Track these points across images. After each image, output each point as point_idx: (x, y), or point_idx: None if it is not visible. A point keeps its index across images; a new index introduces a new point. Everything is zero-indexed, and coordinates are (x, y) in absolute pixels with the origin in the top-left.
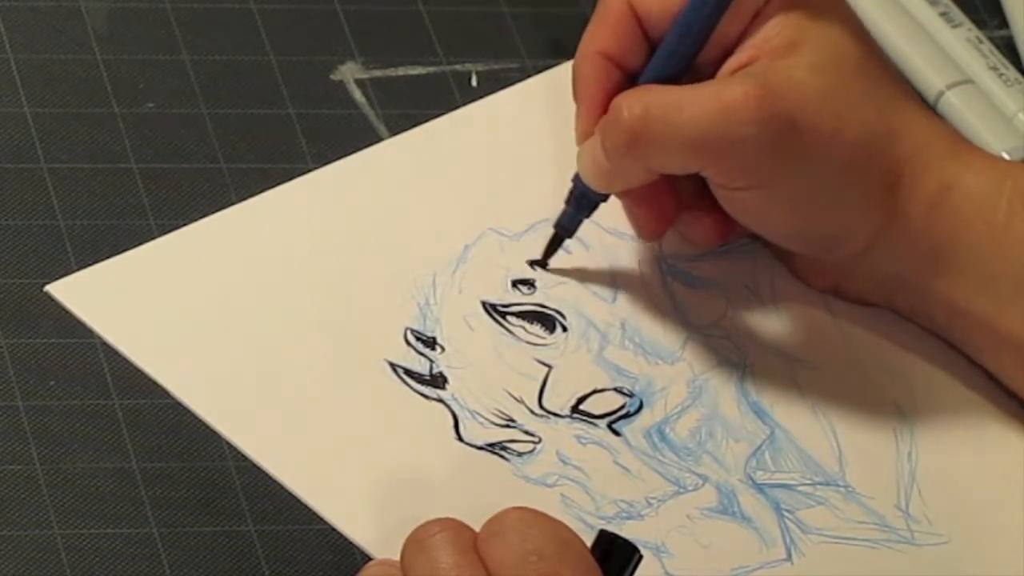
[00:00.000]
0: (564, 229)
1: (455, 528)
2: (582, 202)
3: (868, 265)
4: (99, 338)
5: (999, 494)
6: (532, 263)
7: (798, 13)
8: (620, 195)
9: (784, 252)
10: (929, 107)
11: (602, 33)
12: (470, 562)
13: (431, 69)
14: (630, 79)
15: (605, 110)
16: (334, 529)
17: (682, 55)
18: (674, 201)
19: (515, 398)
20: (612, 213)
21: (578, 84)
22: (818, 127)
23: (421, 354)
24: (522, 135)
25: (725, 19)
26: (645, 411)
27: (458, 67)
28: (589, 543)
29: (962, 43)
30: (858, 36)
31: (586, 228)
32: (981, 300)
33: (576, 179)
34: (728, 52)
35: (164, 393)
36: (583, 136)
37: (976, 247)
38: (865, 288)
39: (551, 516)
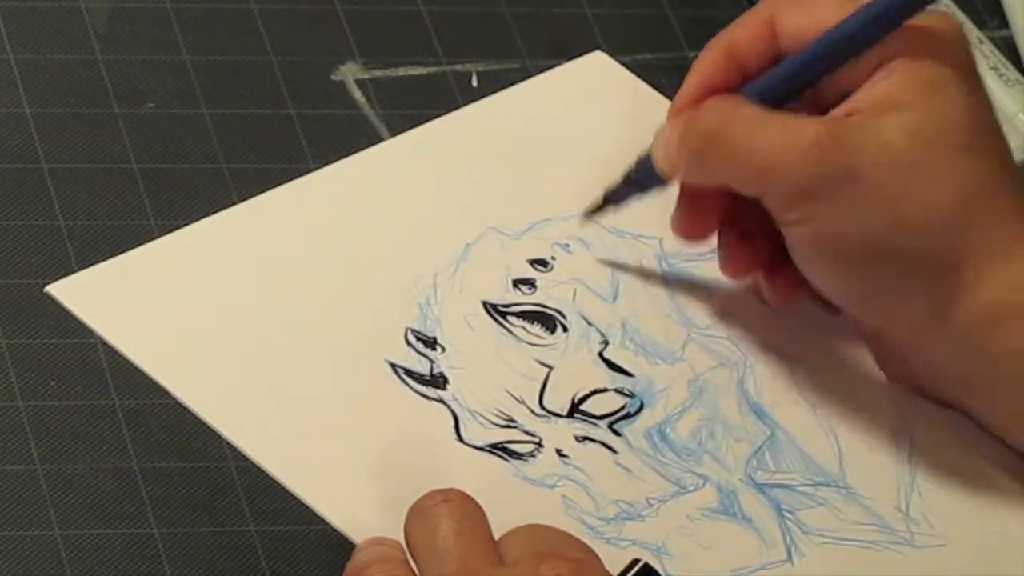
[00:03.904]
0: (612, 199)
1: (458, 498)
2: (632, 176)
3: (934, 363)
4: (99, 338)
5: (999, 496)
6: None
7: (916, 73)
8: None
9: (873, 344)
10: None
11: (738, 31)
12: (471, 530)
13: (431, 69)
14: (743, 80)
15: (706, 96)
16: (334, 529)
17: (793, 81)
18: (717, 211)
19: (516, 398)
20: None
21: (695, 64)
22: (883, 187)
23: (422, 354)
24: (522, 135)
25: (849, 64)
26: (646, 411)
27: (458, 67)
28: (588, 543)
29: None
30: (973, 109)
31: (586, 227)
32: None
33: (640, 160)
34: (843, 95)
35: (164, 393)
36: (674, 111)
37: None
38: (935, 388)
39: None
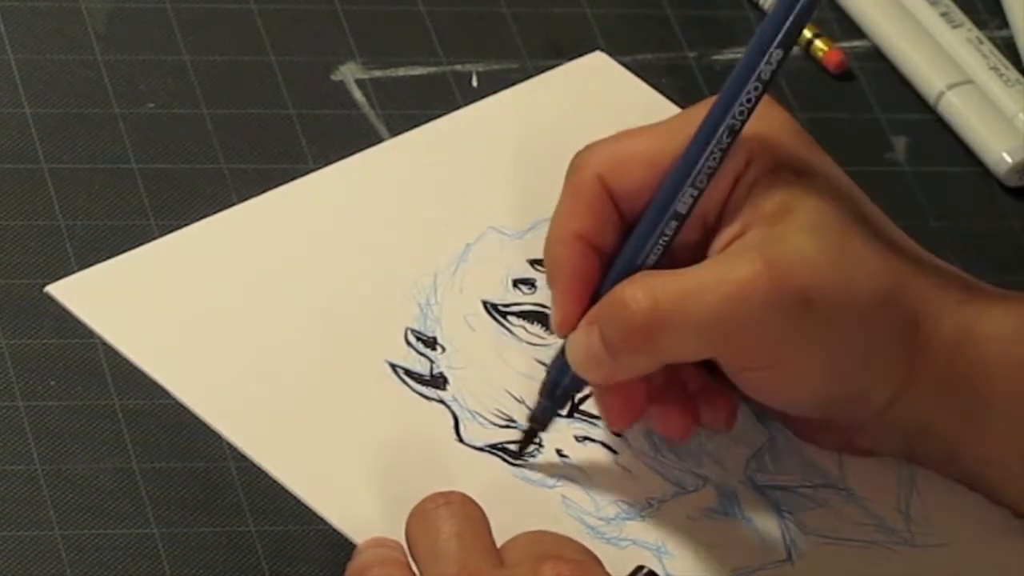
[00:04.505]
0: (539, 422)
1: (460, 501)
2: (556, 393)
3: (887, 420)
4: (99, 338)
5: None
6: (516, 447)
7: (785, 175)
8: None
9: (791, 416)
10: (929, 108)
11: (576, 212)
12: (472, 532)
13: (431, 69)
14: (605, 260)
15: (585, 294)
16: (334, 529)
17: (663, 235)
18: (645, 389)
19: (516, 398)
20: None
21: (554, 269)
22: (829, 294)
23: (422, 354)
24: (523, 134)
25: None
26: None
27: (458, 67)
28: (588, 544)
29: (962, 43)
30: (848, 189)
31: None
32: (1018, 446)
33: (551, 369)
34: (709, 224)
35: (164, 393)
36: (565, 324)
37: (1005, 391)
38: (880, 442)
39: None
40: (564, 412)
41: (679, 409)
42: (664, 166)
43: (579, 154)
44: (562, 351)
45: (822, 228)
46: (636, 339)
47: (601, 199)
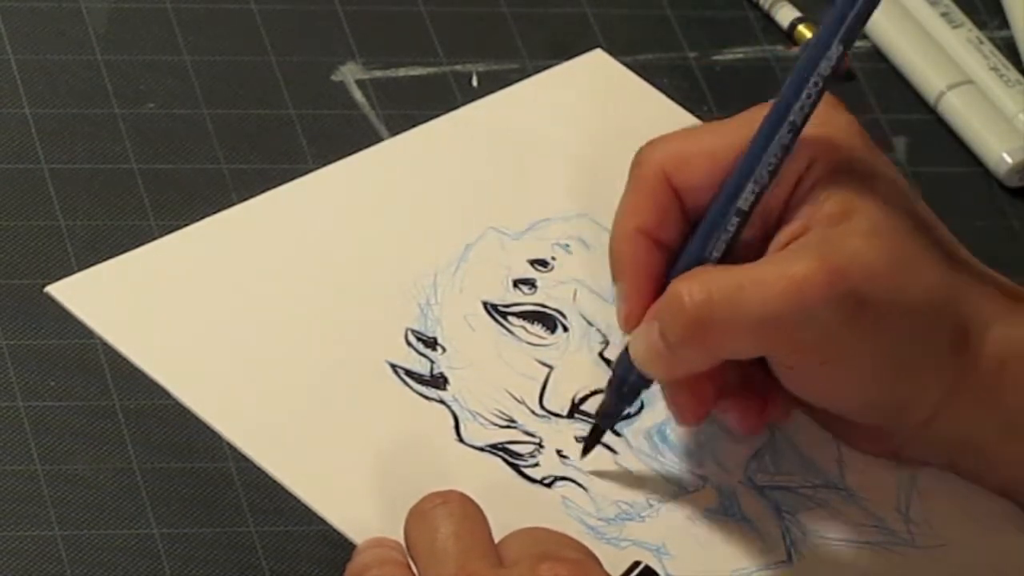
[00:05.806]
0: (606, 420)
1: (458, 500)
2: (623, 390)
3: (933, 430)
4: (99, 338)
5: (999, 496)
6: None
7: (846, 177)
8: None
9: (839, 423)
10: (929, 108)
11: (640, 208)
12: (470, 532)
13: (431, 69)
14: (669, 255)
15: (650, 290)
16: (334, 529)
17: (726, 231)
18: (713, 386)
19: (516, 399)
20: (612, 212)
21: (619, 264)
22: (885, 297)
23: (422, 355)
24: (523, 134)
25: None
26: (646, 412)
27: (458, 67)
28: (588, 544)
29: (963, 43)
30: (907, 197)
31: (586, 227)
32: None
33: (618, 367)
34: (770, 223)
35: (164, 393)
36: (630, 320)
37: None
38: (926, 452)
39: None
40: (564, 412)
41: (747, 404)
42: (727, 162)
43: (642, 149)
44: (626, 348)
45: (881, 232)
46: (691, 333)
47: (665, 194)
